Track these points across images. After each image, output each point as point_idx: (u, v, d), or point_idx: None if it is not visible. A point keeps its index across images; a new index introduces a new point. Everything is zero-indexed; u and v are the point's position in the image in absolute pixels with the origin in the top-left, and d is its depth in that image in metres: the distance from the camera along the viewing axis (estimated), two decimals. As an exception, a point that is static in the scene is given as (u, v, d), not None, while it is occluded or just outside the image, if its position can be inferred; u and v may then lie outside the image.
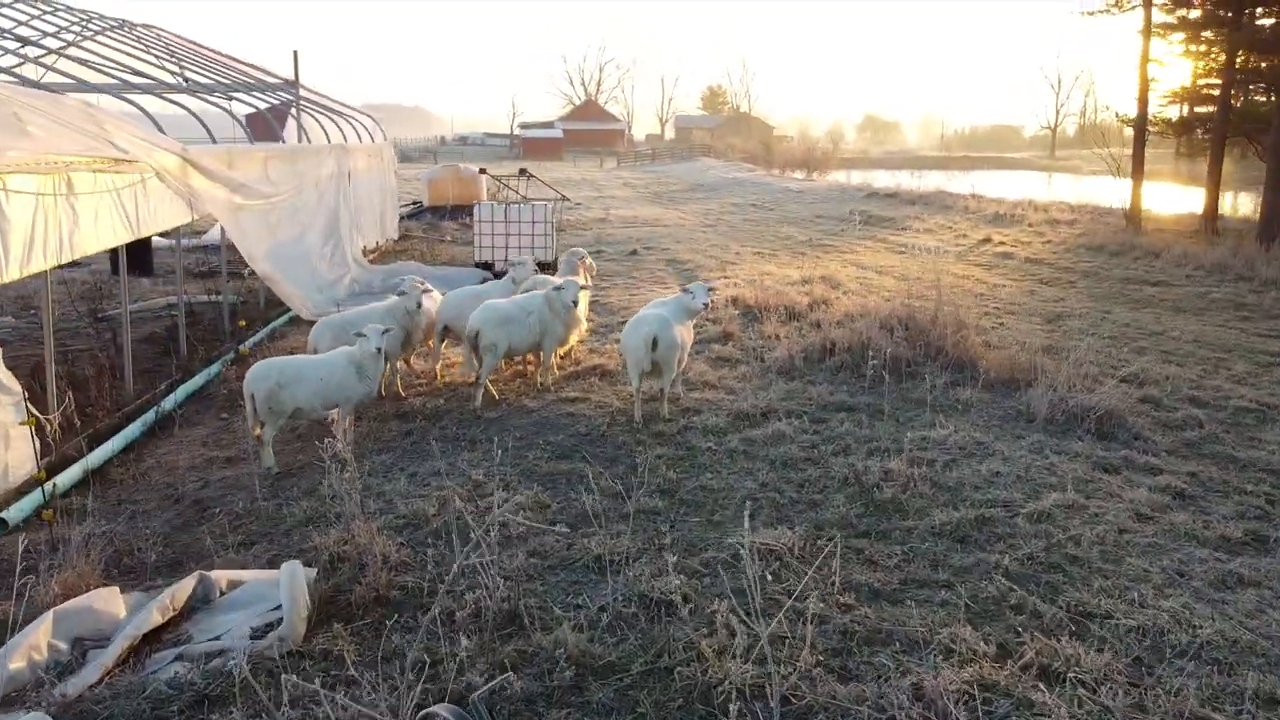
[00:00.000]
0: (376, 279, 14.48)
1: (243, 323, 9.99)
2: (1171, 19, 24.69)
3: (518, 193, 23.64)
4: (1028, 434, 7.02)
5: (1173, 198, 49.86)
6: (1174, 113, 29.19)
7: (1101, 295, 14.38)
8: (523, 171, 22.71)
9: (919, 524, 5.39)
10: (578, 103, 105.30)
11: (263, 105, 15.99)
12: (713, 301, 12.46)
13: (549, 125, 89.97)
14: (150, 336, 10.68)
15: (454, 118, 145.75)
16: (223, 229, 10.53)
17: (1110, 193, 41.17)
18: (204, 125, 10.77)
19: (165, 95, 11.22)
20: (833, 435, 6.79)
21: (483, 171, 23.29)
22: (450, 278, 14.37)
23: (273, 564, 5.09)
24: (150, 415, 7.89)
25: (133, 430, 7.54)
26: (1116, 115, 27.84)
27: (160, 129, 9.50)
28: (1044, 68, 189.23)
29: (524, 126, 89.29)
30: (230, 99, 13.05)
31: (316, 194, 13.57)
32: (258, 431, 6.68)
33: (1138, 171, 24.13)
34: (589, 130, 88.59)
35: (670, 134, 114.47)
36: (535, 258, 14.97)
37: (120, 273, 8.69)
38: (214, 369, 9.14)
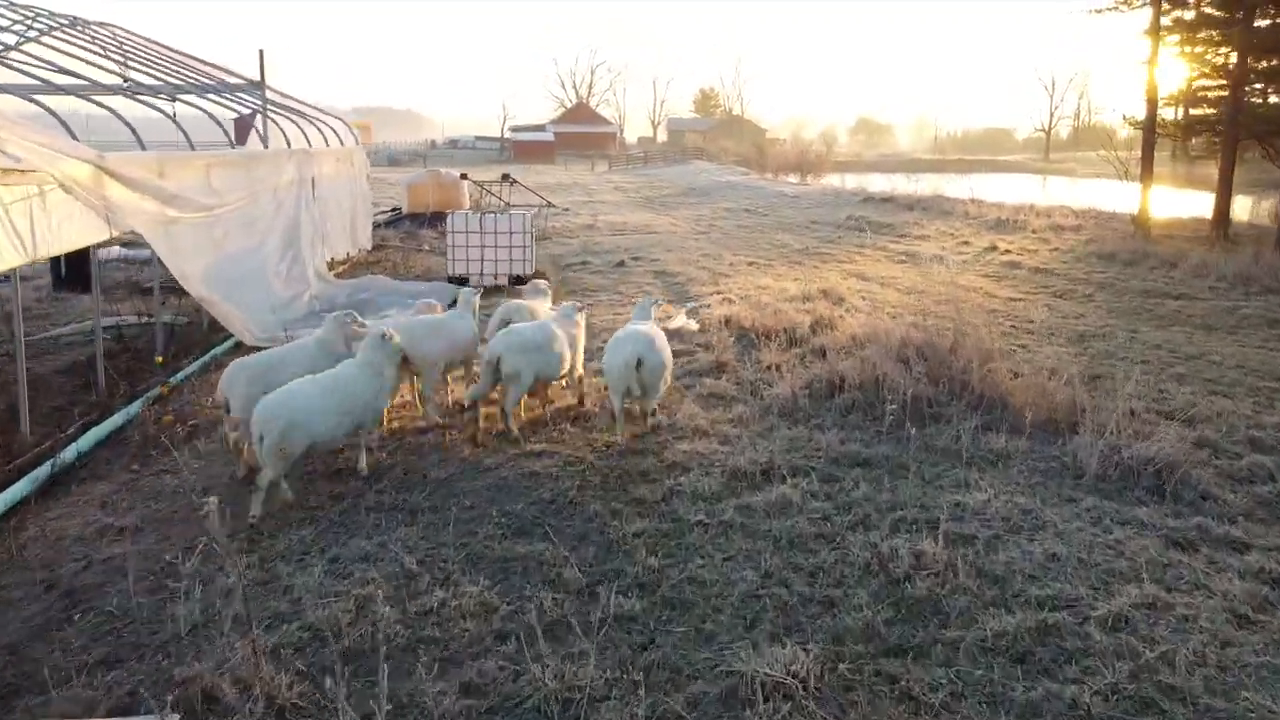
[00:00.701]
0: (341, 294, 13.26)
1: (159, 359, 8.70)
2: (1167, 20, 23.71)
3: (500, 199, 22.48)
4: (1079, 495, 5.84)
5: (1171, 201, 48.94)
6: (1169, 115, 28.16)
7: (1123, 311, 13.24)
8: (505, 177, 21.52)
9: (965, 634, 4.21)
10: (569, 105, 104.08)
11: (225, 107, 14.74)
12: (704, 321, 11.37)
13: (540, 128, 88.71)
14: (73, 366, 9.44)
15: (445, 121, 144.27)
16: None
17: (1111, 197, 40.32)
18: (131, 128, 9.56)
19: (92, 97, 10.00)
20: (848, 501, 5.60)
21: (464, 177, 22.05)
22: (421, 295, 13.20)
23: (131, 701, 3.90)
24: (45, 469, 6.67)
25: (18, 490, 6.32)
26: (1124, 118, 26.72)
27: (72, 134, 8.28)
28: (1038, 70, 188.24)
29: (515, 130, 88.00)
30: (174, 100, 11.82)
31: (274, 203, 12.34)
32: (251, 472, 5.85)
33: (1146, 176, 23.07)
34: (581, 133, 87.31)
35: (662, 137, 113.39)
36: (511, 272, 13.88)
37: (14, 289, 7.43)
38: (134, 407, 7.91)
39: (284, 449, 5.45)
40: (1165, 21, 23.44)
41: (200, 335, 10.60)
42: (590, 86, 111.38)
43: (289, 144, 13.95)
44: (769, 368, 8.49)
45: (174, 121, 10.56)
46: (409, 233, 21.08)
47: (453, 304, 12.60)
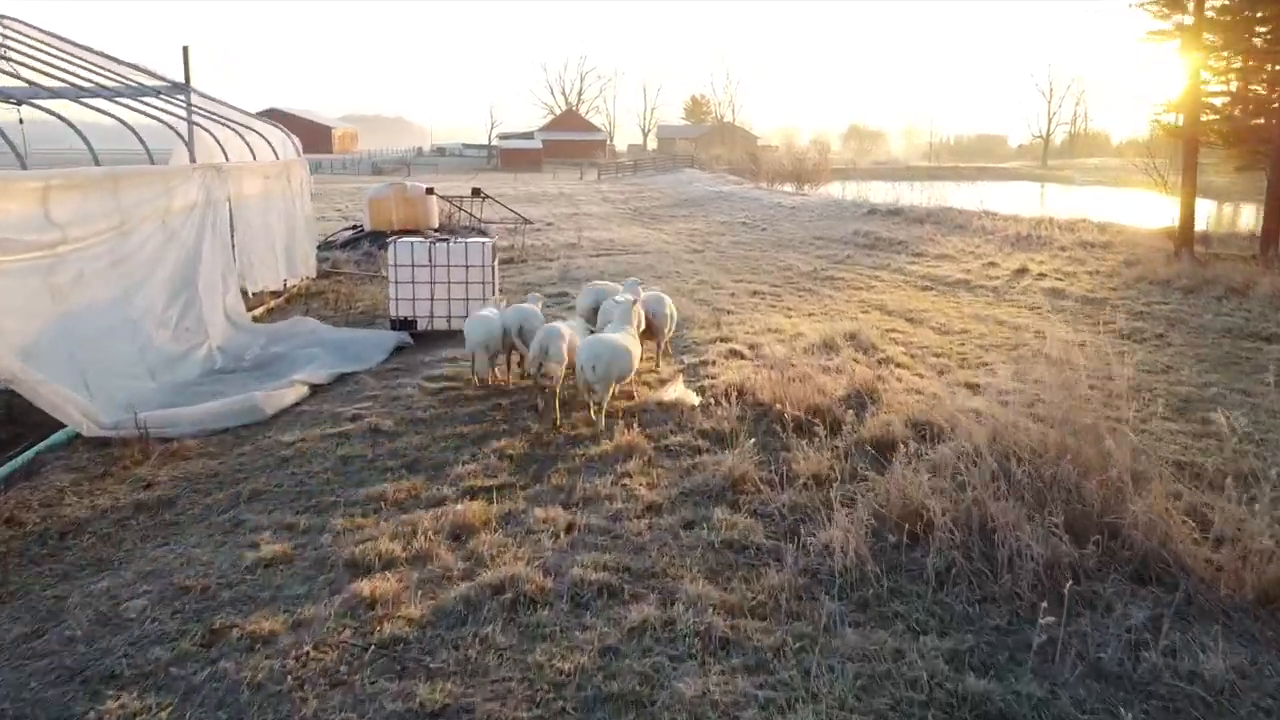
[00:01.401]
0: (256, 343, 10.53)
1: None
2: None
3: (471, 215, 19.81)
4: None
5: (1169, 211, 46.50)
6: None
7: (1215, 360, 10.63)
8: (476, 191, 18.85)
9: None
10: (558, 112, 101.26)
11: (138, 114, 12.00)
12: (708, 389, 8.64)
13: (528, 136, 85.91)
14: None
15: (436, 128, 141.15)
16: None
17: (1120, 207, 38.12)
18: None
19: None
20: None
21: (430, 191, 19.32)
22: (352, 345, 10.48)
23: None
24: None
25: None
26: (1158, 123, 24.21)
27: None
28: (1035, 75, 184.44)
29: (503, 137, 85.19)
30: (20, 105, 9.10)
31: (163, 233, 9.62)
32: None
33: (1189, 188, 20.51)
34: (569, 141, 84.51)
35: (653, 144, 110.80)
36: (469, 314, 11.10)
37: None
38: None
39: (609, 378, 7.01)
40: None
41: (43, 414, 7.84)
42: (580, 93, 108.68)
43: (193, 158, 11.24)
44: (804, 483, 5.81)
45: (1, 135, 7.83)
46: (368, 254, 18.33)
47: (396, 352, 10.06)
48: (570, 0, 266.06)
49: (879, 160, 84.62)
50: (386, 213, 20.20)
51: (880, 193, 38.22)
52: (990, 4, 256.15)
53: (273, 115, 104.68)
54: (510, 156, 73.98)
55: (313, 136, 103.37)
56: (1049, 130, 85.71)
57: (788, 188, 42.73)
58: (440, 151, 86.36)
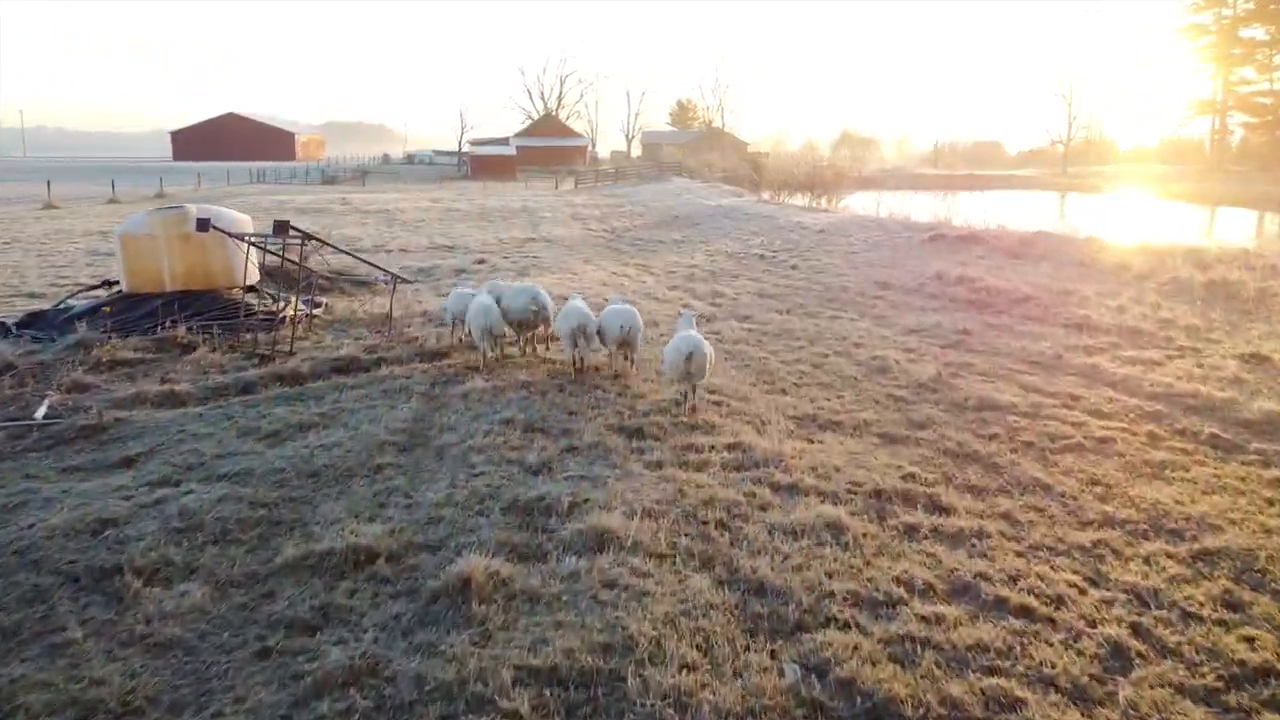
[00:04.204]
0: None
1: None
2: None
3: (295, 264, 10.31)
4: None
5: (1241, 223, 37.60)
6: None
7: None
8: (282, 227, 9.38)
9: None
10: (536, 117, 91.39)
11: None
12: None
13: (503, 142, 76.16)
14: None
15: (411, 135, 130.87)
16: None
17: (1191, 220, 29.38)
18: None
19: None
20: None
21: (205, 226, 9.83)
22: None
23: None
24: None
25: None
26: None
27: None
28: (1054, 80, 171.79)
29: (475, 143, 75.34)
30: None
31: None
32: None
33: None
34: (547, 147, 74.83)
35: (637, 150, 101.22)
36: None
37: None
38: None
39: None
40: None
41: None
42: (559, 97, 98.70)
43: None
44: None
45: None
46: (77, 349, 8.79)
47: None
48: (552, 1, 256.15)
49: (883, 169, 75.28)
50: (152, 259, 10.68)
51: (921, 206, 28.92)
52: (981, 9, 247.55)
53: (230, 119, 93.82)
54: (481, 163, 64.07)
55: (275, 143, 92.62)
56: (1069, 135, 75.85)
57: (798, 200, 33.28)
58: (409, 159, 76.53)
